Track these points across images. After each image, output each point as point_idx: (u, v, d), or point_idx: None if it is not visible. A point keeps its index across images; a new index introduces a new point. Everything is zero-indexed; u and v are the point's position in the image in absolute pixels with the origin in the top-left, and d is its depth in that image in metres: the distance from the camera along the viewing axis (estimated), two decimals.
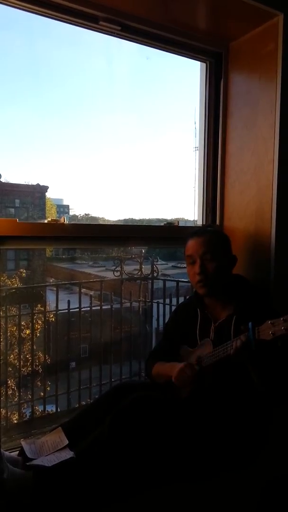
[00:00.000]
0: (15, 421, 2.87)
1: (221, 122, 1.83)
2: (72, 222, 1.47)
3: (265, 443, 1.40)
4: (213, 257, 1.38)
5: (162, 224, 1.83)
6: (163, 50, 1.72)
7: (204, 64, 1.84)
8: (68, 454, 1.24)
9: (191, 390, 1.36)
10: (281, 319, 1.10)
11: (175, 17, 1.58)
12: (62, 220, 1.43)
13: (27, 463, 1.23)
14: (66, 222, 1.45)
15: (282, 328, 1.10)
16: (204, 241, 1.40)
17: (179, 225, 1.79)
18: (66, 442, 1.31)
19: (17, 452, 1.36)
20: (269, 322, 1.13)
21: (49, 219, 1.44)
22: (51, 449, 1.30)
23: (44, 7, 1.40)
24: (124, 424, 1.23)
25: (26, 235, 1.38)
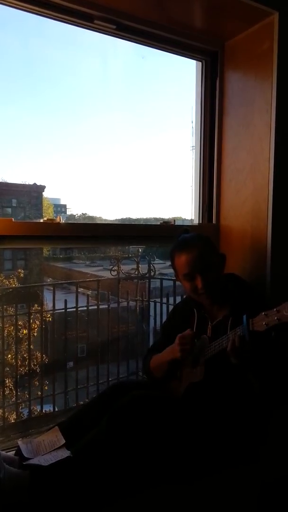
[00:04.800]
0: (13, 421, 2.86)
1: (217, 121, 1.83)
2: (68, 222, 1.47)
3: (264, 441, 1.40)
4: (211, 268, 1.36)
5: (159, 223, 1.83)
6: (159, 49, 1.71)
7: (200, 63, 1.84)
8: (65, 453, 1.24)
9: (189, 375, 1.37)
10: (274, 309, 1.13)
11: (170, 16, 1.58)
12: (57, 220, 1.43)
13: (24, 463, 1.23)
14: (62, 221, 1.45)
15: (275, 318, 1.11)
16: (197, 255, 1.35)
17: (175, 224, 1.79)
18: (63, 441, 1.30)
19: (14, 451, 1.36)
20: (263, 313, 1.15)
21: (45, 219, 1.44)
22: (47, 449, 1.29)
23: (38, 6, 1.40)
24: (122, 423, 1.23)
25: (22, 235, 1.38)
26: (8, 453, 1.35)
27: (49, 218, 1.42)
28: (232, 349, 1.20)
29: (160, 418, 1.27)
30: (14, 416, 2.90)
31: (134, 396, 1.28)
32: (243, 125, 1.72)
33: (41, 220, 1.44)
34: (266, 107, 1.59)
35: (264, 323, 1.13)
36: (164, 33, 1.63)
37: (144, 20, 1.57)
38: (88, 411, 1.42)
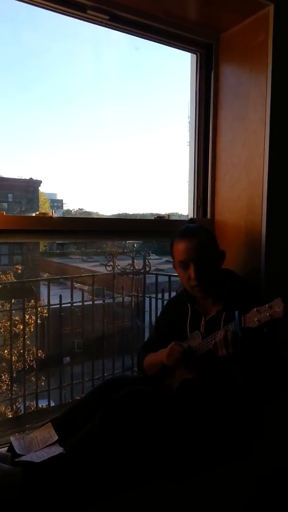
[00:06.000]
0: (9, 416, 2.86)
1: (212, 114, 1.81)
2: (61, 216, 1.45)
3: (257, 437, 1.40)
4: (206, 260, 1.35)
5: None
6: (153, 41, 1.69)
7: (195, 56, 1.82)
8: (57, 450, 1.23)
9: (182, 372, 1.36)
10: (266, 305, 1.12)
11: (165, 7, 1.55)
12: (50, 214, 1.42)
13: (16, 459, 1.22)
14: (55, 215, 1.43)
15: (268, 314, 1.11)
16: (195, 245, 1.35)
17: (170, 219, 1.77)
18: (56, 437, 1.29)
19: (6, 448, 1.35)
20: (255, 309, 1.14)
21: (37, 213, 1.42)
22: (40, 445, 1.28)
23: None
24: (115, 419, 1.23)
25: (14, 229, 1.36)
26: (0, 450, 1.34)
27: (41, 212, 1.40)
28: (221, 343, 1.19)
29: (153, 414, 1.27)
30: (9, 412, 2.90)
31: (127, 392, 1.28)
32: (238, 118, 1.70)
33: (34, 214, 1.43)
34: (261, 100, 1.57)
35: (256, 319, 1.12)
36: (158, 24, 1.60)
37: (137, 11, 1.54)
38: (81, 407, 1.41)
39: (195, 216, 1.87)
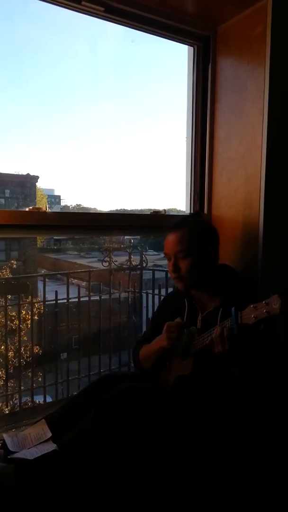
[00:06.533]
0: (6, 412, 2.85)
1: (209, 108, 1.78)
2: (54, 211, 1.43)
3: (254, 434, 1.39)
4: (186, 255, 1.34)
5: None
6: (149, 33, 1.66)
7: (192, 48, 1.79)
8: (51, 447, 1.22)
9: (178, 367, 1.36)
10: (263, 302, 1.10)
11: None
12: (44, 208, 1.40)
13: (9, 456, 1.21)
14: (49, 210, 1.41)
15: (264, 311, 1.09)
16: (177, 238, 1.36)
17: (167, 214, 1.75)
18: (50, 434, 1.29)
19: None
20: (251, 306, 1.13)
21: (31, 207, 1.40)
22: (34, 442, 1.28)
23: None
24: (109, 416, 1.22)
25: (6, 224, 1.34)
26: None
27: (35, 207, 1.38)
28: (217, 340, 1.18)
29: (148, 411, 1.26)
30: (4, 408, 2.88)
31: (121, 388, 1.27)
32: (236, 112, 1.68)
33: (27, 209, 1.40)
34: (259, 94, 1.55)
35: (252, 315, 1.11)
36: (154, 16, 1.57)
37: (133, 2, 1.51)
38: (75, 403, 1.40)
39: (191, 211, 1.85)
